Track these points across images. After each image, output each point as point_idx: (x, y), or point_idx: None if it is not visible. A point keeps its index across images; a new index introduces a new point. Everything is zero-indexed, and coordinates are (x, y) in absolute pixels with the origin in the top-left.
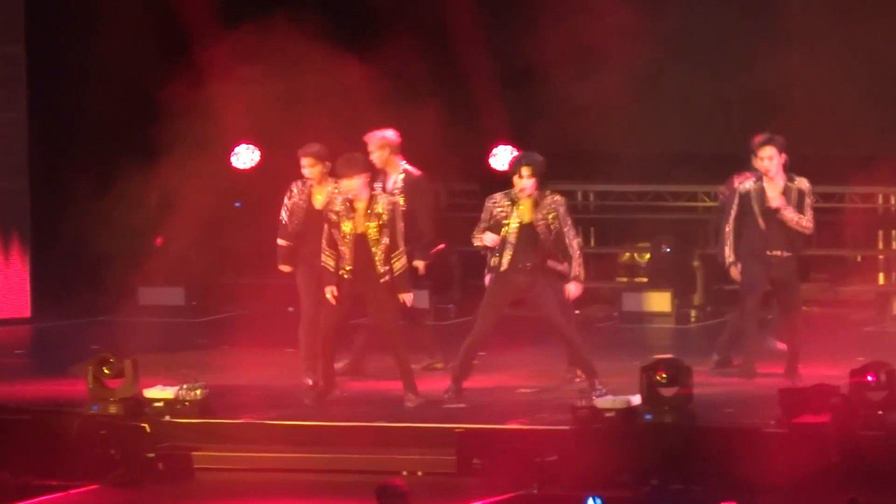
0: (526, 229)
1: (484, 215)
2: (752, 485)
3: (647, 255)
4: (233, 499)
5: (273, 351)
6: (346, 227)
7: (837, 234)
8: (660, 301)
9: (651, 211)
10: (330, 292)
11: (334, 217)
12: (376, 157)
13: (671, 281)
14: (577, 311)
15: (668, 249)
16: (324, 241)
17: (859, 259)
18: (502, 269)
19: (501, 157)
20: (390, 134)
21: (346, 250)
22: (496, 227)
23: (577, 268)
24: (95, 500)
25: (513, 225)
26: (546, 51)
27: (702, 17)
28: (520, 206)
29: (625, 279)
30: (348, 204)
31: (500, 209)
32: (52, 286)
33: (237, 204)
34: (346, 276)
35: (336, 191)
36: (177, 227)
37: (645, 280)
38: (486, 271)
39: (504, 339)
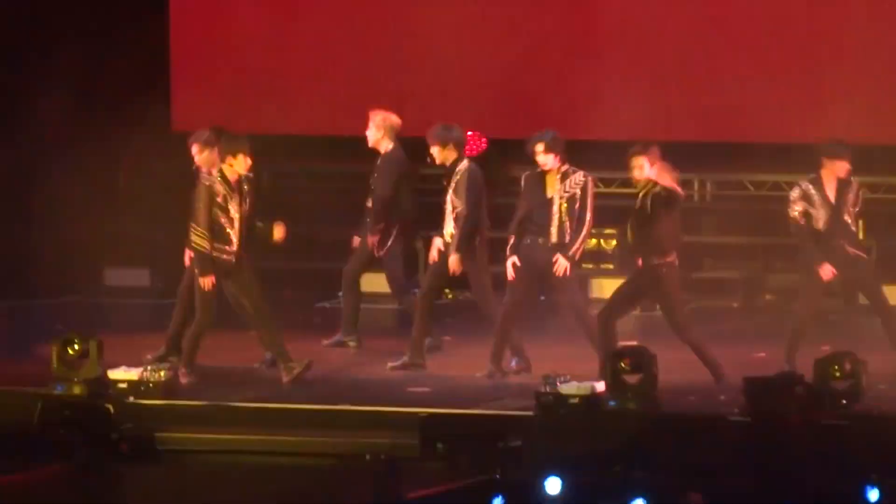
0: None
1: None
2: (716, 473)
3: (615, 242)
4: (196, 481)
5: (237, 333)
6: None
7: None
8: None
9: (618, 198)
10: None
11: None
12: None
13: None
14: (542, 298)
15: None
16: None
17: None
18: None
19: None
20: None
21: None
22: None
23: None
24: (58, 481)
25: None
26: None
27: None
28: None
29: (591, 265)
30: None
31: None
32: (16, 265)
33: None
34: None
35: None
36: (143, 208)
37: (611, 267)
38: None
39: (469, 324)
